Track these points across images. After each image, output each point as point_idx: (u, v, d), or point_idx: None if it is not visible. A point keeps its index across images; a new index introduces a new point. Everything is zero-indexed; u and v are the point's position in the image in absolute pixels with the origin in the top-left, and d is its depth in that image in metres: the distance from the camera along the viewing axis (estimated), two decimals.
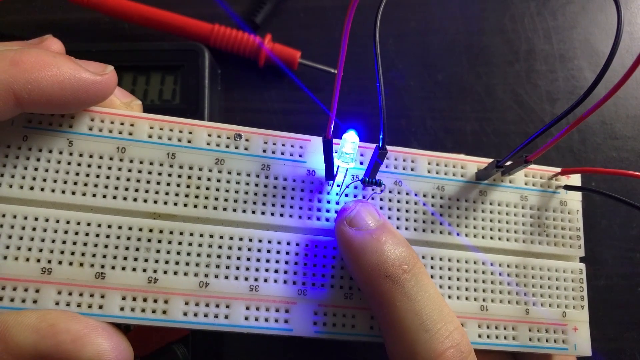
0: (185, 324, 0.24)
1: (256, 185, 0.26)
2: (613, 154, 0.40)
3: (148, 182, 0.25)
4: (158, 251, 0.25)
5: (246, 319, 0.25)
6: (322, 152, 0.25)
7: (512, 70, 0.41)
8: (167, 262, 0.25)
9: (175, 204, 0.25)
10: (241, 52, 0.39)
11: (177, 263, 0.25)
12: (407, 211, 0.28)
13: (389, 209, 0.27)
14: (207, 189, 0.26)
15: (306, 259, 0.26)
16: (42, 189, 0.24)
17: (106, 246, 0.24)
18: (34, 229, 0.24)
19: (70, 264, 0.24)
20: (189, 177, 0.26)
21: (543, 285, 0.28)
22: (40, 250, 0.24)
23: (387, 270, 0.23)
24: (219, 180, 0.26)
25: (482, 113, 0.40)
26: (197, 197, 0.26)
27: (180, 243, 0.25)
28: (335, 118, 0.23)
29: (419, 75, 0.41)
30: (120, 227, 0.25)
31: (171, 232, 0.25)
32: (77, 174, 0.25)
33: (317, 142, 0.27)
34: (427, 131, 0.39)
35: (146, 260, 0.24)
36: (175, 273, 0.24)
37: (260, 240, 0.26)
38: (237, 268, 0.25)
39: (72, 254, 0.24)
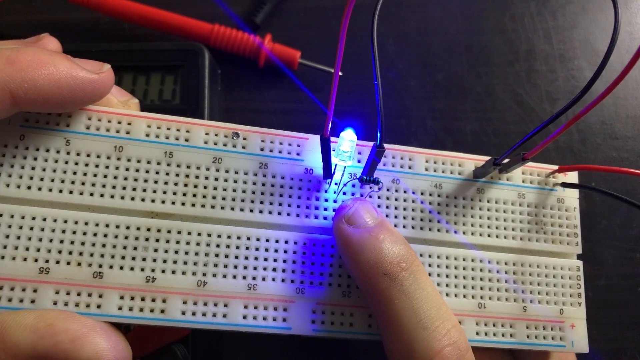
0: (183, 323, 0.24)
1: (254, 183, 0.26)
2: (613, 154, 0.40)
3: (146, 181, 0.25)
4: (156, 250, 0.25)
5: (244, 317, 0.25)
6: (320, 150, 0.25)
7: (512, 70, 0.41)
8: (165, 261, 0.25)
9: (173, 203, 0.25)
10: (241, 52, 0.39)
11: (175, 262, 0.25)
12: (404, 209, 0.28)
13: (387, 207, 0.27)
14: (205, 187, 0.26)
15: (304, 257, 0.26)
16: (40, 189, 0.24)
17: (104, 245, 0.24)
18: (31, 229, 0.24)
19: (68, 263, 0.24)
20: (187, 176, 0.26)
21: (540, 282, 0.28)
22: (38, 250, 0.24)
23: (385, 268, 0.23)
24: (216, 179, 0.26)
25: (482, 113, 0.40)
26: (194, 195, 0.26)
27: (178, 242, 0.25)
28: (333, 116, 0.23)
29: (418, 75, 0.41)
30: (117, 227, 0.25)
31: (169, 231, 0.25)
32: (75, 173, 0.25)
33: (315, 140, 0.27)
34: (427, 131, 0.39)
35: (144, 260, 0.24)
36: (173, 272, 0.24)
37: (258, 239, 0.26)
38: (235, 267, 0.25)
39: (70, 253, 0.24)
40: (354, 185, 0.27)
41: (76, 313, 0.23)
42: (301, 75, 0.40)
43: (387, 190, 0.28)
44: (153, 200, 0.25)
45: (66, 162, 0.25)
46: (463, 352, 0.23)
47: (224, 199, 0.26)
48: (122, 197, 0.25)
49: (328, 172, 0.26)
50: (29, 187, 0.24)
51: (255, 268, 0.25)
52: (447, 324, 0.23)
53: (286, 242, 0.26)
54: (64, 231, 0.24)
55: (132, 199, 0.25)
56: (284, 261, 0.26)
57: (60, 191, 0.24)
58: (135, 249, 0.24)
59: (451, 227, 0.28)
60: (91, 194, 0.25)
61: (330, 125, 0.23)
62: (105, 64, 0.25)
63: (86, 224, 0.24)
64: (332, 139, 0.25)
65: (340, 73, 0.38)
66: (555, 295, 0.28)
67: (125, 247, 0.24)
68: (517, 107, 0.40)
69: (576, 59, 0.41)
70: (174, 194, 0.25)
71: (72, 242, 0.24)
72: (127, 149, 0.26)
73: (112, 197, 0.25)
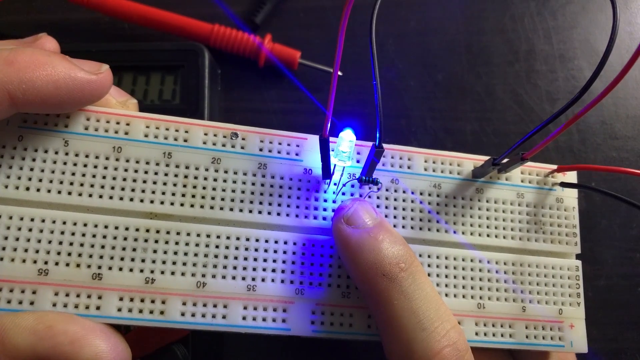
0: (182, 324, 0.24)
1: (253, 184, 0.26)
2: (613, 154, 0.40)
3: (144, 181, 0.25)
4: (155, 251, 0.25)
5: (244, 319, 0.25)
6: (319, 150, 0.25)
7: (512, 70, 0.41)
8: (164, 262, 0.24)
9: (172, 204, 0.25)
10: (241, 52, 0.39)
11: (174, 263, 0.25)
12: (404, 209, 0.28)
13: (386, 207, 0.27)
14: (204, 188, 0.26)
15: (303, 258, 0.26)
16: (38, 190, 0.24)
17: (103, 247, 0.24)
18: (30, 230, 0.24)
19: (67, 264, 0.24)
20: (186, 177, 0.26)
21: (539, 282, 0.28)
22: (37, 251, 0.24)
23: (384, 269, 0.23)
24: (215, 180, 0.26)
25: (482, 113, 0.40)
26: (193, 196, 0.26)
27: (177, 243, 0.25)
28: (333, 117, 0.23)
29: (418, 75, 0.40)
30: (116, 228, 0.24)
31: (168, 232, 0.25)
32: (73, 174, 0.25)
33: (313, 140, 0.27)
34: (427, 131, 0.39)
35: (143, 261, 0.24)
36: (173, 273, 0.24)
37: (257, 240, 0.26)
38: (235, 268, 0.25)
39: (69, 254, 0.24)
40: (353, 186, 0.27)
41: (75, 315, 0.23)
42: (301, 75, 0.40)
43: (386, 190, 0.28)
44: (152, 201, 0.25)
45: (65, 163, 0.25)
46: (462, 352, 0.23)
47: (223, 199, 0.26)
48: (121, 198, 0.25)
49: (327, 173, 0.26)
50: (27, 188, 0.24)
51: (254, 269, 0.25)
52: (447, 324, 0.23)
53: (285, 242, 0.26)
54: (62, 232, 0.24)
55: (131, 199, 0.25)
56: (283, 262, 0.26)
57: (59, 192, 0.24)
58: (134, 250, 0.24)
59: (450, 228, 0.28)
60: (90, 195, 0.25)
61: (329, 125, 0.23)
62: (104, 64, 0.25)
63: (85, 225, 0.24)
64: (331, 139, 0.25)
65: (340, 73, 0.38)
66: (554, 295, 0.28)
67: (124, 248, 0.24)
68: (517, 107, 0.40)
69: (576, 59, 0.41)
70: (173, 194, 0.25)
71: (71, 244, 0.24)
72: (125, 149, 0.25)
73: (110, 198, 0.25)
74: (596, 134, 0.40)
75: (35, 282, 0.23)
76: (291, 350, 0.35)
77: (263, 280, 0.25)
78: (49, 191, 0.24)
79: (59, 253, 0.24)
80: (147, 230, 0.25)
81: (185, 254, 0.25)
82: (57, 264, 0.24)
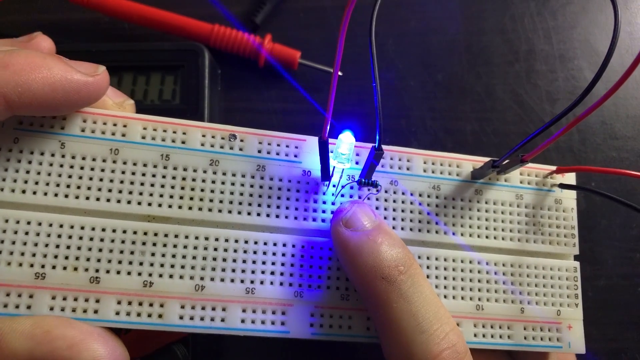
0: (181, 327, 0.24)
1: (251, 186, 0.26)
2: (613, 154, 0.40)
3: (142, 184, 0.25)
4: (153, 254, 0.24)
5: (242, 321, 0.24)
6: (318, 152, 0.24)
7: (512, 70, 0.41)
8: (162, 265, 0.24)
9: (170, 206, 0.25)
10: (241, 52, 0.39)
11: (172, 266, 0.24)
12: (402, 211, 0.27)
13: (385, 209, 0.27)
14: (202, 190, 0.26)
15: (302, 260, 0.26)
16: (35, 192, 0.24)
17: (100, 250, 0.24)
18: (26, 233, 0.24)
19: (64, 268, 0.24)
20: (184, 179, 0.26)
21: (538, 283, 0.28)
22: (34, 255, 0.23)
23: (383, 272, 0.23)
24: (213, 182, 0.26)
25: (482, 113, 0.40)
26: (191, 198, 0.25)
27: (175, 246, 0.25)
28: (332, 118, 0.23)
29: (418, 75, 0.40)
30: (114, 231, 0.24)
31: (166, 235, 0.25)
32: (70, 176, 0.25)
33: (312, 142, 0.27)
34: (427, 131, 0.39)
35: (141, 264, 0.24)
36: (171, 276, 0.24)
37: (255, 242, 0.25)
38: (233, 270, 0.25)
39: (66, 258, 0.24)
40: (352, 187, 0.27)
41: (73, 319, 0.23)
42: (301, 75, 0.40)
43: (385, 192, 0.27)
44: (150, 204, 0.25)
45: (61, 166, 0.25)
46: (461, 355, 0.23)
47: (221, 201, 0.26)
48: (119, 201, 0.25)
49: (326, 175, 0.26)
50: (23, 191, 0.24)
51: (253, 271, 0.25)
52: (446, 327, 0.23)
53: (284, 245, 0.26)
54: (59, 235, 0.24)
55: (129, 202, 0.25)
56: (282, 264, 0.25)
57: (56, 195, 0.24)
58: (132, 253, 0.24)
59: (449, 229, 0.28)
60: (87, 198, 0.24)
61: (328, 127, 0.23)
62: (100, 65, 0.25)
63: (82, 228, 0.24)
64: (330, 140, 0.25)
65: (340, 73, 0.38)
66: (552, 296, 0.28)
67: (122, 252, 0.24)
68: (517, 107, 0.40)
69: (576, 59, 0.41)
70: (171, 197, 0.25)
71: (68, 247, 0.24)
72: (122, 151, 0.25)
73: (108, 200, 0.25)
74: (596, 134, 0.40)
75: (32, 286, 0.23)
76: (291, 350, 0.35)
77: (262, 282, 0.25)
78: (45, 194, 0.24)
79: (55, 256, 0.24)
80: (145, 233, 0.25)
81: (184, 256, 0.25)
82: (54, 267, 0.23)
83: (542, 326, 0.28)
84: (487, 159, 0.28)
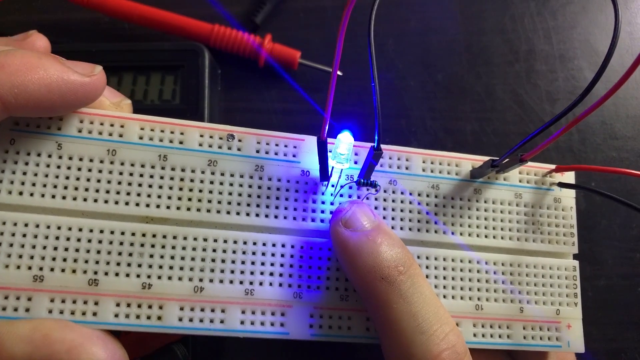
0: (180, 329, 0.24)
1: (250, 186, 0.26)
2: (613, 154, 0.40)
3: (140, 185, 0.25)
4: (151, 256, 0.24)
5: (242, 323, 0.24)
6: (317, 152, 0.24)
7: (512, 70, 0.41)
8: (160, 267, 0.24)
9: (168, 207, 0.25)
10: (241, 52, 0.38)
11: (171, 268, 0.24)
12: (402, 211, 0.27)
13: (384, 209, 0.27)
14: (200, 191, 0.25)
15: (301, 261, 0.26)
16: (32, 194, 0.24)
17: (99, 252, 0.24)
18: (24, 236, 0.23)
19: (63, 270, 0.23)
20: (182, 180, 0.25)
21: (537, 283, 0.28)
22: (32, 258, 0.23)
23: (383, 272, 0.23)
24: (212, 182, 0.26)
25: (482, 113, 0.40)
26: (189, 199, 0.25)
27: (173, 247, 0.25)
28: (331, 118, 0.23)
29: (418, 75, 0.40)
30: (112, 232, 0.24)
31: (164, 236, 0.25)
32: (67, 177, 0.24)
33: (311, 141, 0.27)
34: (427, 131, 0.39)
35: (140, 266, 0.24)
36: (170, 278, 0.24)
37: (254, 243, 0.25)
38: (232, 272, 0.25)
39: (64, 260, 0.24)
40: (351, 187, 0.27)
41: (72, 322, 0.22)
42: (301, 75, 0.40)
43: (384, 191, 0.27)
44: (148, 205, 0.25)
45: (58, 167, 0.24)
46: (461, 355, 0.23)
47: (219, 202, 0.26)
48: (116, 202, 0.25)
49: (325, 175, 0.26)
50: (20, 193, 0.24)
51: (252, 273, 0.25)
52: (445, 327, 0.23)
53: (283, 245, 0.26)
54: (57, 238, 0.24)
55: (127, 203, 0.25)
56: (281, 265, 0.25)
57: (53, 197, 0.24)
58: (130, 255, 0.24)
59: (448, 229, 0.28)
60: (84, 199, 0.24)
61: (327, 127, 0.23)
62: (97, 65, 0.24)
63: (80, 230, 0.24)
64: (329, 140, 0.24)
65: (340, 73, 0.38)
66: (551, 295, 0.28)
67: (120, 253, 0.24)
68: (517, 107, 0.39)
69: (576, 59, 0.41)
70: (169, 198, 0.25)
71: (66, 249, 0.24)
72: (120, 152, 0.25)
73: (105, 202, 0.25)
74: (596, 134, 0.40)
75: (30, 289, 0.23)
76: (292, 350, 0.35)
77: (261, 284, 0.25)
78: (42, 196, 0.24)
79: (54, 259, 0.23)
80: (143, 235, 0.24)
81: (182, 258, 0.25)
82: (52, 269, 0.23)
83: (542, 325, 0.28)
84: (486, 158, 0.28)
